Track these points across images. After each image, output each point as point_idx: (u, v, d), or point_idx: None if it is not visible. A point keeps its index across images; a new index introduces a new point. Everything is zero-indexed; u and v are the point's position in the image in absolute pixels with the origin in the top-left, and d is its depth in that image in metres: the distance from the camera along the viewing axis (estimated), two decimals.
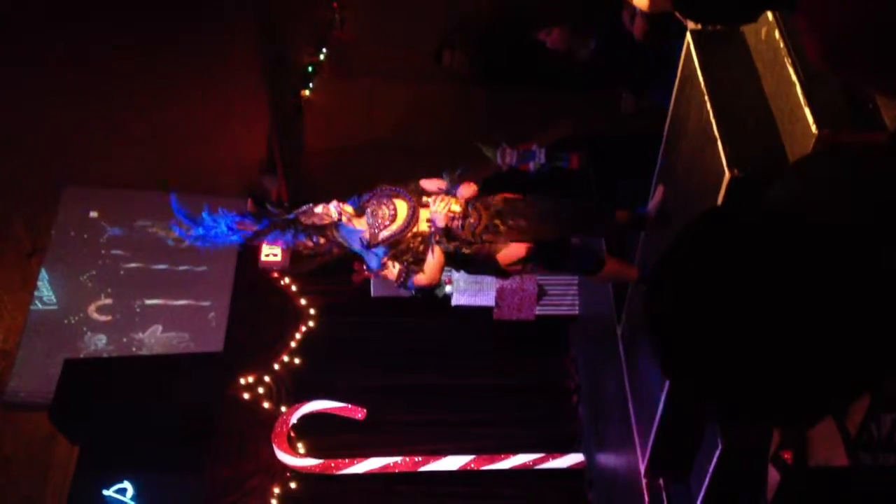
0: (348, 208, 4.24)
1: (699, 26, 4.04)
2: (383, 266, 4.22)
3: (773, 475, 2.85)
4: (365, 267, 4.46)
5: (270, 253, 7.64)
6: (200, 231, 4.14)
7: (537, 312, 7.22)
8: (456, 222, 4.25)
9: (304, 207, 4.24)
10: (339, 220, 4.20)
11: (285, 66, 7.36)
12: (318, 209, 4.22)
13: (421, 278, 4.26)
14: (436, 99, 7.36)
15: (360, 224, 4.24)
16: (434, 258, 4.24)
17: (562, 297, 7.33)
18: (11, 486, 6.94)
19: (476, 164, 6.72)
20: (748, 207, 1.32)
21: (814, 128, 3.27)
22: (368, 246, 4.19)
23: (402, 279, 4.23)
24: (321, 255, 4.36)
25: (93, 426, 6.77)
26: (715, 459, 4.33)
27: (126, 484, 6.64)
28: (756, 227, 1.26)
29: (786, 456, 2.58)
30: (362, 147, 7.44)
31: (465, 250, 4.30)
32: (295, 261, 7.54)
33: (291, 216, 4.20)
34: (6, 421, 7.15)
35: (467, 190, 4.36)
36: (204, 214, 4.13)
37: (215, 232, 4.14)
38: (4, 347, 7.39)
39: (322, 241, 4.23)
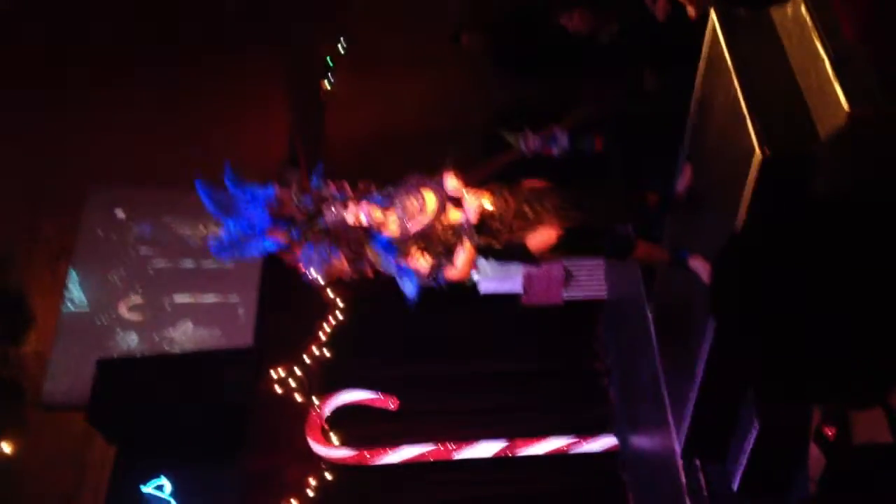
0: (377, 213, 4.21)
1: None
2: (419, 290, 4.22)
3: (815, 453, 2.84)
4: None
5: None
6: (231, 228, 4.13)
7: (565, 297, 7.21)
8: (492, 221, 4.24)
9: (332, 209, 4.20)
10: (370, 227, 4.19)
11: (305, 59, 7.36)
12: (345, 211, 4.19)
13: (452, 273, 4.26)
14: (456, 85, 7.35)
15: (391, 223, 4.21)
16: (465, 252, 4.24)
17: (589, 280, 7.31)
18: (50, 485, 7.02)
19: (499, 151, 6.71)
20: (806, 198, 1.34)
21: (845, 105, 3.22)
22: (400, 255, 4.18)
23: (433, 274, 4.24)
24: (355, 275, 4.32)
25: (128, 424, 6.83)
26: (753, 439, 4.32)
27: (164, 480, 6.70)
28: (821, 217, 1.27)
29: (828, 432, 2.57)
30: (384, 137, 7.44)
31: (497, 245, 4.29)
32: None
33: (322, 223, 4.17)
34: (43, 422, 7.22)
35: (452, 181, 4.31)
36: (231, 189, 4.11)
37: (248, 223, 4.12)
38: (38, 350, 7.46)
39: (354, 256, 4.20)
